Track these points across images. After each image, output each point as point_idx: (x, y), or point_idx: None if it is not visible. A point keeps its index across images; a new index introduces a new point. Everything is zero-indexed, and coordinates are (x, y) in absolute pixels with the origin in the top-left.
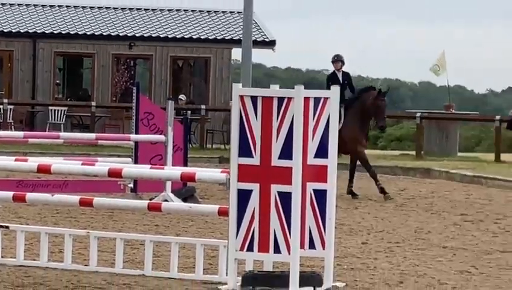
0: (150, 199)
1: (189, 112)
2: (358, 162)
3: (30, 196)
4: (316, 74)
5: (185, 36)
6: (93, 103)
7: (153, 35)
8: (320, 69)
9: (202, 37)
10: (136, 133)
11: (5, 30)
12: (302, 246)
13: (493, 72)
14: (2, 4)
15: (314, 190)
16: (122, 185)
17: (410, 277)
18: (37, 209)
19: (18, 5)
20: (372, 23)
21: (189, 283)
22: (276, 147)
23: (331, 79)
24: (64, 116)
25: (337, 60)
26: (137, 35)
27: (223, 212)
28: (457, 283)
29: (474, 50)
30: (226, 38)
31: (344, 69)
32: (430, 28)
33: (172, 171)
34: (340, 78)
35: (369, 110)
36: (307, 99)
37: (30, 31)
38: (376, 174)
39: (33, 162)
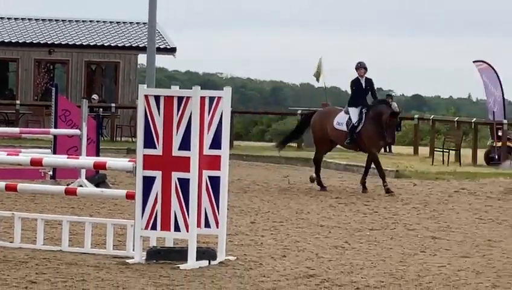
0: (67, 185)
1: (101, 109)
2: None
3: None
4: (211, 76)
5: (98, 44)
6: (18, 102)
7: (70, 42)
8: (214, 72)
9: (112, 45)
10: (55, 127)
11: None
12: (198, 225)
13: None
14: None
15: (209, 177)
16: (42, 172)
17: (292, 251)
18: None
19: None
20: (257, 34)
21: (101, 257)
22: (176, 139)
23: (355, 84)
24: None
25: (360, 66)
26: (55, 42)
27: (130, 196)
28: (333, 256)
29: (350, 55)
30: (133, 45)
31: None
32: (311, 36)
33: (86, 160)
34: (363, 84)
35: (383, 123)
36: (202, 98)
37: None
38: (385, 175)
39: None
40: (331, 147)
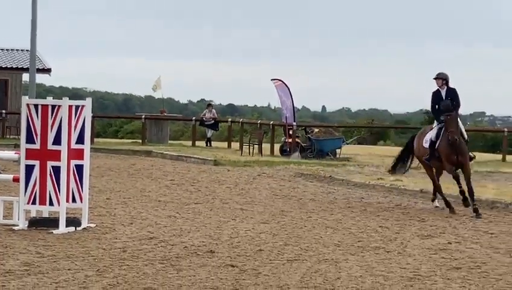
0: None
1: None
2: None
3: None
4: (78, 90)
5: None
6: None
7: None
8: (81, 87)
9: (3, 66)
10: None
11: None
12: (67, 200)
13: (192, 87)
14: None
15: (76, 165)
16: None
17: (137, 220)
18: None
19: None
20: (106, 58)
21: None
22: (51, 136)
23: (435, 96)
24: None
25: (438, 77)
26: None
27: (16, 180)
28: (167, 223)
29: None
30: (19, 67)
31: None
32: (155, 61)
33: None
34: (444, 95)
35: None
36: (70, 106)
37: None
38: (474, 194)
39: None
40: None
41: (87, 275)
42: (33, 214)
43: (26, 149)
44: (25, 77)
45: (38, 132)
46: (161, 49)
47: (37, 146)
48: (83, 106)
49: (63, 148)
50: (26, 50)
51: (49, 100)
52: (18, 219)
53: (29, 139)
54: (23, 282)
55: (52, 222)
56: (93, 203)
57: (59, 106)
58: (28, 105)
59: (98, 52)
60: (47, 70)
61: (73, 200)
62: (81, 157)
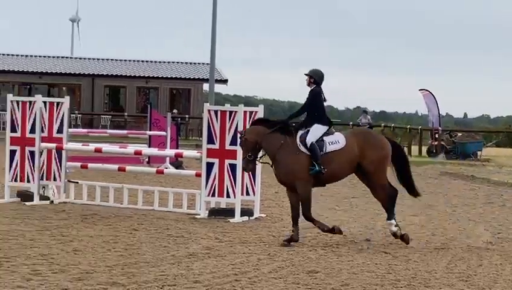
0: (157, 167)
1: (179, 119)
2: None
3: (90, 165)
4: (251, 98)
5: (177, 76)
6: (126, 114)
7: (159, 76)
8: (253, 95)
9: (187, 77)
10: (150, 130)
11: None
12: (242, 193)
13: (349, 95)
14: None
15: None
16: (142, 159)
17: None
18: (94, 173)
19: None
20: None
21: (179, 214)
22: (228, 138)
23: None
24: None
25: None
26: (150, 75)
27: (198, 175)
28: (329, 215)
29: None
30: (200, 78)
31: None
32: None
33: (170, 151)
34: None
35: None
36: (245, 112)
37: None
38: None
39: (92, 146)
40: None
41: (260, 258)
42: (212, 205)
43: (207, 149)
44: (205, 86)
45: (218, 134)
46: (321, 61)
47: (216, 146)
48: (255, 112)
49: (239, 148)
50: (207, 63)
51: (227, 107)
52: (199, 209)
53: (210, 140)
54: (204, 263)
55: (229, 212)
56: (264, 196)
57: (236, 112)
58: (209, 111)
59: (268, 66)
60: (224, 81)
61: (247, 193)
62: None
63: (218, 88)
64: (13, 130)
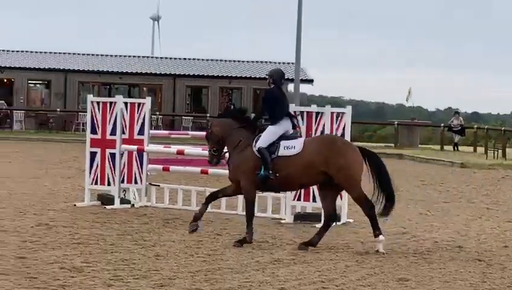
0: None
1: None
2: None
3: (172, 167)
4: (338, 99)
5: (261, 76)
6: (208, 114)
7: (243, 76)
8: (339, 96)
9: None
10: None
11: None
12: None
13: (439, 96)
14: None
15: None
16: (225, 162)
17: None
18: (175, 175)
19: None
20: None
21: (264, 219)
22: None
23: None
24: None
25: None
26: (233, 76)
27: None
28: (419, 220)
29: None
30: (285, 78)
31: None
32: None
33: None
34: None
35: None
36: (332, 113)
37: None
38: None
39: (173, 148)
40: None
41: (347, 265)
42: (298, 210)
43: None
44: (290, 86)
45: (303, 133)
46: (413, 60)
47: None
48: (343, 113)
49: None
50: (292, 63)
51: (313, 108)
52: (285, 214)
53: (94, 130)
54: (290, 270)
55: (315, 217)
56: (350, 202)
57: (322, 113)
58: (295, 112)
59: (351, 66)
60: (309, 81)
61: None
62: None
63: (304, 88)
64: (93, 131)
